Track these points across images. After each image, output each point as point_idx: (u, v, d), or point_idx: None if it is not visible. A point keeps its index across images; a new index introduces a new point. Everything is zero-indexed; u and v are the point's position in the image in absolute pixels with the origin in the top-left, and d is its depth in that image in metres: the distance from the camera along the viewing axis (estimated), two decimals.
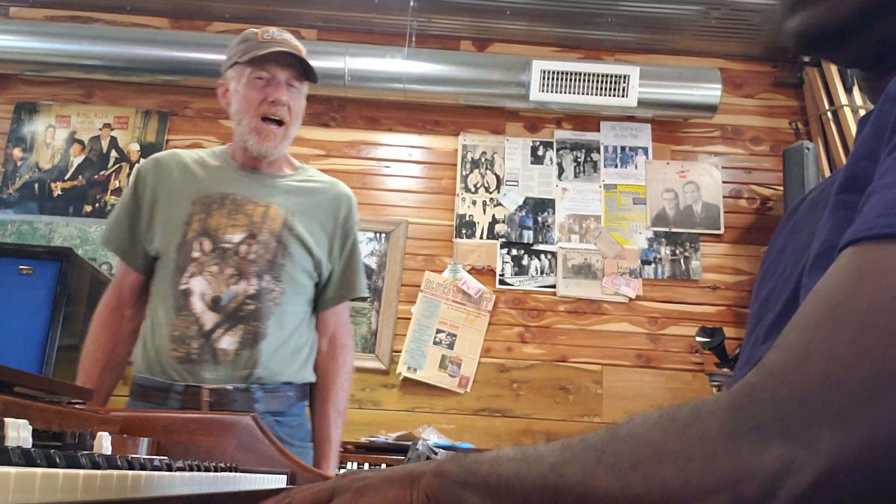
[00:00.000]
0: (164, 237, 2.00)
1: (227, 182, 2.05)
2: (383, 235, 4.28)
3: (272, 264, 1.96)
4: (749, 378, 0.52)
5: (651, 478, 0.52)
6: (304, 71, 2.04)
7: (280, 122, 2.01)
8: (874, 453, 0.44)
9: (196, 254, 1.95)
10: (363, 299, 2.25)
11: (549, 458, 0.60)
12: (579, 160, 4.42)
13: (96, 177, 4.36)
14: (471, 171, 4.37)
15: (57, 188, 4.33)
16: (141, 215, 2.05)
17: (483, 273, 4.25)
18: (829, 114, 4.13)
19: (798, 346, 0.50)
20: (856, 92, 4.00)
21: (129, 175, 4.36)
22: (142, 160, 2.11)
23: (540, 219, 4.32)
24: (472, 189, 4.35)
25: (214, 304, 1.91)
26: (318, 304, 2.11)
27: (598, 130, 4.46)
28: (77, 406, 1.25)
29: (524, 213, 4.32)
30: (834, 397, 0.46)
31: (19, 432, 0.83)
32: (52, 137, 4.40)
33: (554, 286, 4.22)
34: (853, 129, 3.95)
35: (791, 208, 0.85)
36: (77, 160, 4.38)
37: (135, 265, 2.07)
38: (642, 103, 4.21)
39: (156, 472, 0.87)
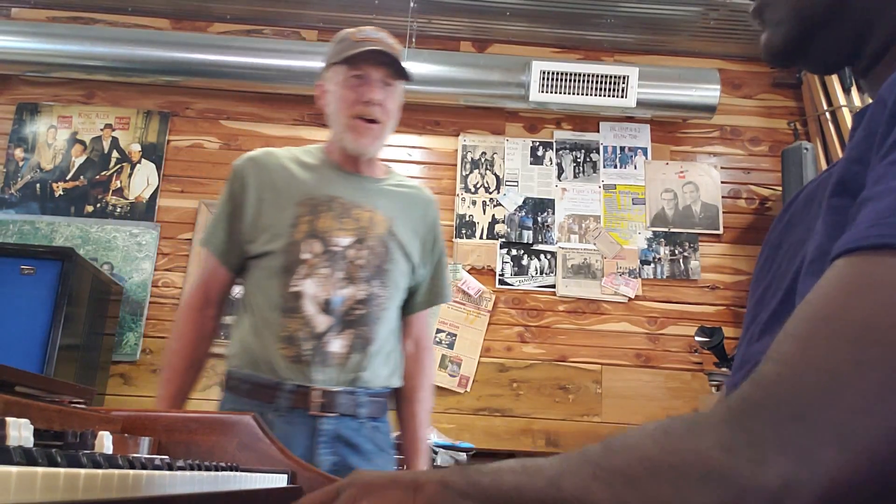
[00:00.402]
0: (269, 238, 1.97)
1: (332, 184, 2.02)
2: None
3: (379, 270, 1.97)
4: (744, 391, 0.51)
5: (646, 494, 0.51)
6: (398, 70, 2.02)
7: (375, 121, 1.99)
8: (875, 469, 0.44)
9: (306, 255, 1.93)
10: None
11: (548, 471, 0.59)
12: (579, 160, 4.43)
13: (98, 177, 4.37)
14: (471, 172, 4.38)
15: (58, 188, 4.34)
16: (240, 215, 2.02)
17: (483, 273, 4.26)
18: (827, 114, 4.14)
19: (793, 359, 0.50)
20: (854, 92, 4.01)
21: (130, 175, 4.37)
22: (238, 160, 2.07)
23: (539, 219, 4.32)
24: (472, 189, 4.36)
25: (326, 307, 1.91)
26: (407, 308, 2.11)
27: (598, 131, 4.47)
28: (78, 405, 1.26)
29: (524, 214, 4.33)
30: (833, 413, 0.46)
31: (20, 432, 0.84)
32: (54, 138, 4.41)
33: (553, 286, 4.23)
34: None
35: (787, 204, 0.86)
36: (78, 160, 4.39)
37: (229, 264, 2.05)
38: (641, 104, 4.22)
39: (157, 472, 0.88)
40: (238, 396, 1.95)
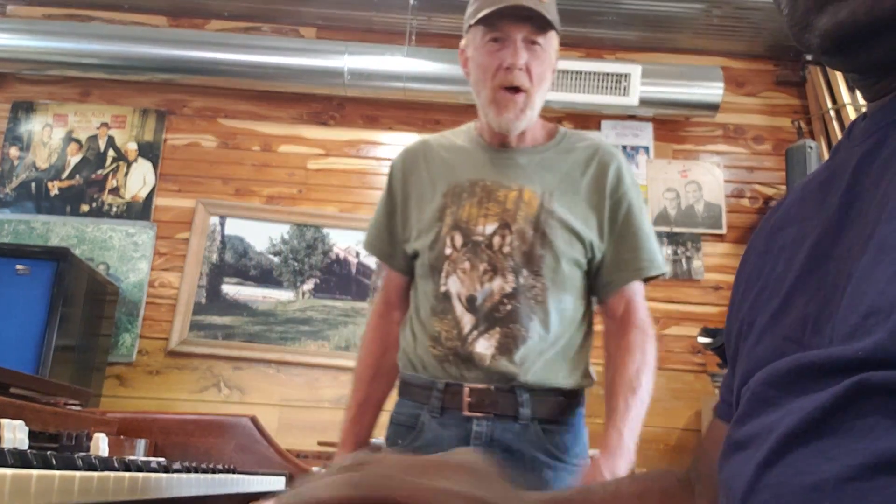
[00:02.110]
0: (420, 235, 1.84)
1: (477, 166, 1.83)
2: None
3: (530, 256, 1.72)
4: None
5: None
6: (543, 24, 1.73)
7: (519, 90, 1.74)
8: None
9: (448, 250, 1.77)
10: (659, 276, 1.83)
11: None
12: None
13: (93, 176, 4.34)
14: None
15: (54, 187, 4.30)
16: (396, 214, 1.91)
17: None
18: (831, 112, 4.12)
19: None
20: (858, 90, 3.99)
21: (126, 174, 4.34)
22: (396, 157, 1.96)
23: None
24: None
25: (470, 305, 1.73)
26: (599, 291, 1.82)
27: (600, 129, 4.44)
28: (73, 407, 1.23)
29: None
30: None
31: (15, 433, 0.82)
32: (49, 136, 4.37)
33: None
34: None
35: (769, 212, 0.81)
36: (74, 159, 4.35)
37: (396, 267, 1.93)
38: (644, 102, 4.20)
39: (153, 474, 0.86)
40: (402, 398, 1.83)
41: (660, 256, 1.82)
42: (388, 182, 1.95)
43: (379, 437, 1.95)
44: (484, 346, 1.70)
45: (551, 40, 1.77)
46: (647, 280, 1.83)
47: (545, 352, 1.71)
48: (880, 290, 0.52)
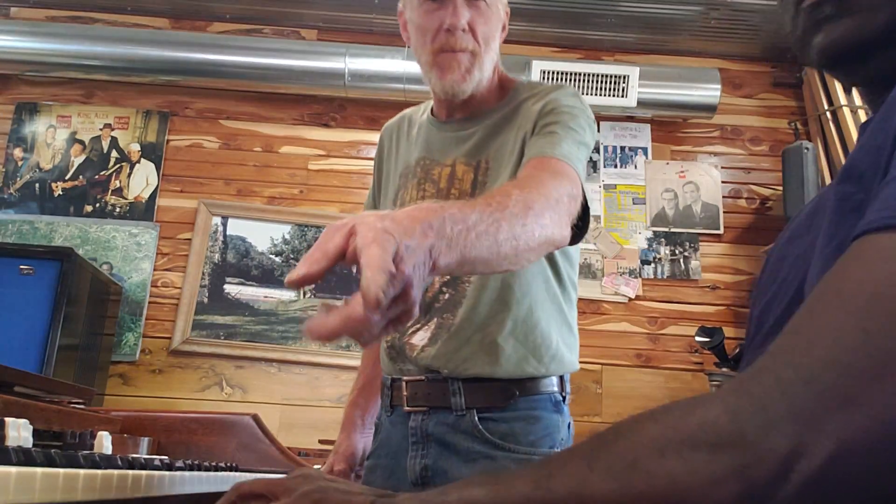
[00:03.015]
0: None
1: (425, 143, 1.68)
2: None
3: None
4: (755, 364, 0.51)
5: (654, 473, 0.49)
6: None
7: (463, 50, 1.54)
8: (883, 433, 0.45)
9: None
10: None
11: (528, 476, 0.56)
12: None
13: (97, 177, 4.36)
14: None
15: (58, 188, 4.33)
16: (377, 198, 1.81)
17: None
18: (828, 114, 4.13)
19: (802, 328, 0.50)
20: (855, 92, 4.00)
21: (129, 175, 4.36)
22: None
23: None
24: None
25: None
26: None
27: (598, 130, 4.45)
28: (77, 406, 1.26)
29: None
30: (841, 378, 0.46)
31: (20, 432, 0.84)
32: (53, 137, 4.40)
33: None
34: (852, 129, 3.95)
35: (791, 219, 0.85)
36: (78, 160, 4.38)
37: None
38: (642, 103, 4.21)
39: (156, 472, 0.88)
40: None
41: (570, 151, 1.43)
42: (374, 164, 1.87)
43: None
44: (419, 338, 1.58)
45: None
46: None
47: (473, 338, 1.53)
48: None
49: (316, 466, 1.80)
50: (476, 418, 1.50)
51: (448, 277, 1.56)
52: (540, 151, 1.40)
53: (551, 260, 1.58)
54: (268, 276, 4.24)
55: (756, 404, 0.48)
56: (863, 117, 3.95)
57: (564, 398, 1.59)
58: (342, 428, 1.80)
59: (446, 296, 1.58)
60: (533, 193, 1.19)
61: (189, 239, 4.25)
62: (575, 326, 1.66)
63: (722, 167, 4.43)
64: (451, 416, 1.51)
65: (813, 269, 0.64)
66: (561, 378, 1.59)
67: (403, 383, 1.58)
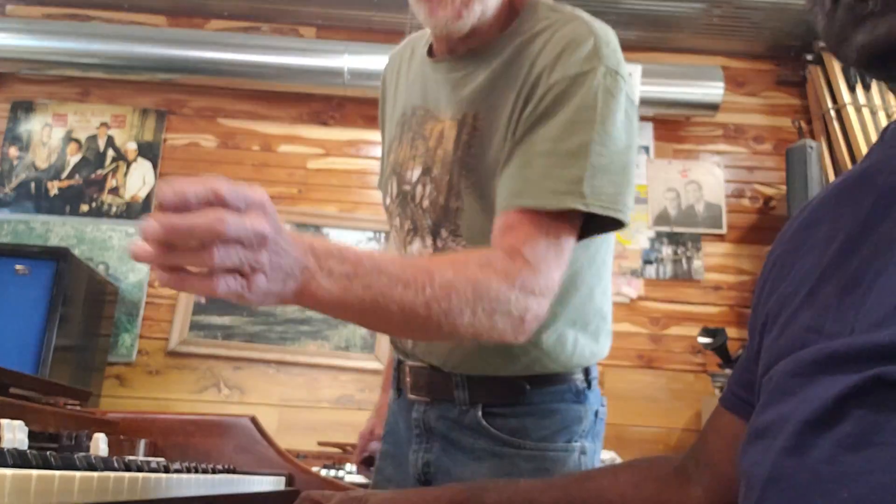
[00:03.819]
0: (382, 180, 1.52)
1: (421, 87, 1.43)
2: (383, 235, 4.25)
3: (445, 211, 1.31)
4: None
5: None
6: None
7: None
8: None
9: (388, 200, 1.46)
10: (618, 226, 1.27)
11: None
12: None
13: (93, 176, 4.33)
14: None
15: (53, 187, 4.30)
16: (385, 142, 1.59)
17: None
18: (832, 112, 4.12)
19: None
20: (859, 90, 3.99)
21: (126, 174, 4.34)
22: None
23: None
24: None
25: None
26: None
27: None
28: (73, 407, 1.23)
29: None
30: None
31: (15, 434, 0.82)
32: (49, 136, 4.37)
33: None
34: (856, 127, 3.94)
35: (801, 207, 0.82)
36: (74, 159, 4.35)
37: None
38: (644, 102, 4.19)
39: (152, 475, 0.86)
40: None
41: (586, 184, 1.16)
42: (378, 104, 1.63)
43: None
44: None
45: None
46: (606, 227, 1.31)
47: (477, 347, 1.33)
48: None
49: (314, 468, 1.76)
50: (480, 413, 1.35)
51: (433, 251, 1.35)
52: (506, 202, 1.17)
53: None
54: None
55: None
56: (867, 115, 3.94)
57: (590, 383, 1.40)
58: (384, 389, 1.71)
59: None
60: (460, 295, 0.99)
61: None
62: (607, 310, 1.44)
63: (725, 166, 4.41)
64: (454, 409, 1.37)
65: None
66: (585, 367, 1.40)
67: (407, 367, 1.44)
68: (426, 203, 1.34)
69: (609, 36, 1.26)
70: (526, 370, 1.34)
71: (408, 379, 1.43)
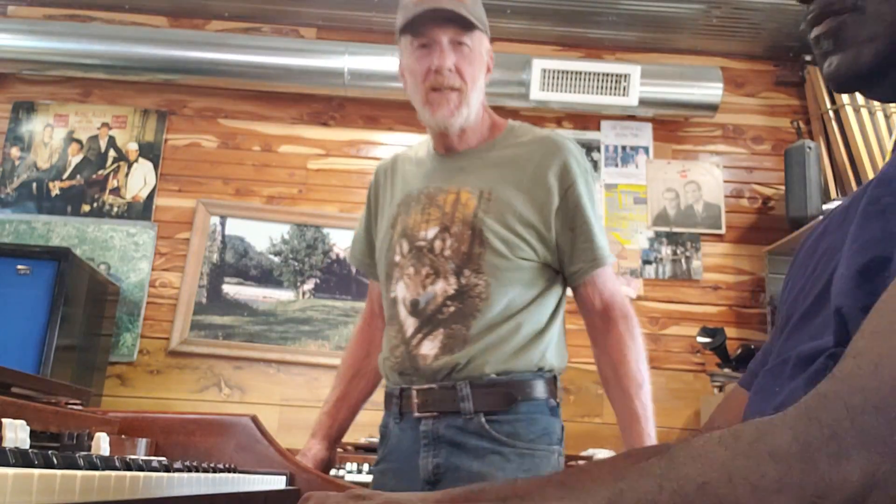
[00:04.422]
0: (379, 245, 1.90)
1: (426, 175, 1.86)
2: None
3: (469, 256, 1.71)
4: (819, 388, 0.50)
5: (723, 498, 0.49)
6: (466, 24, 1.75)
7: (451, 89, 1.75)
8: None
9: (397, 257, 1.80)
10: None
11: (602, 491, 0.56)
12: None
13: (94, 176, 4.34)
14: None
15: (55, 188, 4.31)
16: (371, 227, 1.99)
17: None
18: (830, 113, 4.13)
19: (869, 353, 0.49)
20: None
21: (127, 174, 4.35)
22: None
23: None
24: None
25: (413, 308, 1.75)
26: (568, 281, 1.82)
27: (599, 129, 4.45)
28: (75, 407, 1.24)
29: None
30: None
31: (17, 433, 0.82)
32: (50, 137, 4.38)
33: None
34: (855, 127, 3.95)
35: (821, 218, 0.87)
36: (75, 159, 4.36)
37: (373, 275, 2.01)
38: (643, 102, 4.20)
39: (154, 474, 0.86)
40: (385, 410, 1.88)
41: (605, 246, 1.79)
42: (366, 197, 2.04)
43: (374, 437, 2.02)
44: (428, 348, 1.72)
45: (479, 40, 1.80)
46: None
47: (490, 348, 1.70)
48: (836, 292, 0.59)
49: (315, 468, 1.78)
50: (483, 419, 1.66)
51: (453, 291, 1.72)
52: (593, 264, 1.77)
53: (541, 273, 1.79)
54: (266, 276, 4.23)
55: (826, 433, 0.47)
56: (865, 116, 3.95)
57: (558, 404, 1.79)
58: (314, 434, 1.94)
59: (451, 308, 1.72)
60: (642, 361, 1.80)
61: (187, 239, 4.24)
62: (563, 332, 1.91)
63: (724, 166, 4.42)
64: (459, 419, 1.67)
65: (839, 269, 0.64)
66: (554, 383, 1.78)
67: (413, 391, 1.72)
68: (448, 252, 1.73)
69: (568, 139, 1.85)
70: (520, 374, 1.73)
71: (415, 401, 1.72)
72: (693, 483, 0.51)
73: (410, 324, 1.75)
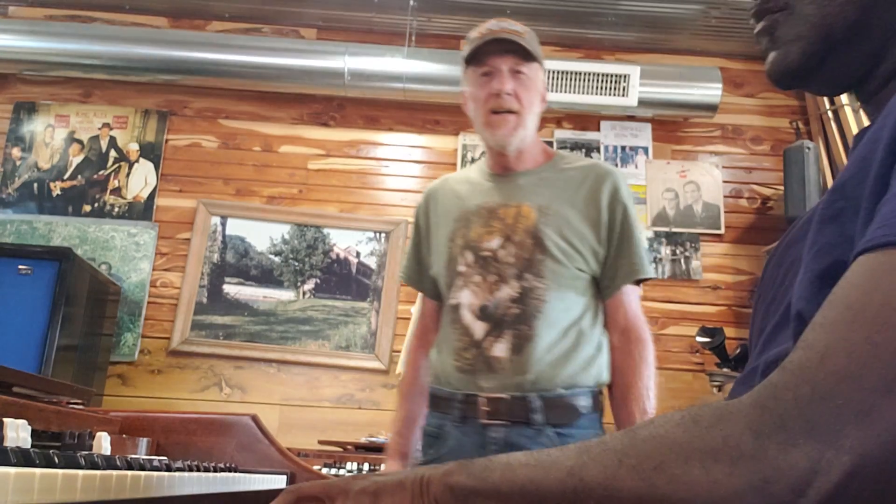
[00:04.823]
0: (437, 259, 2.06)
1: (484, 193, 2.04)
2: (383, 235, 4.27)
3: (530, 262, 1.89)
4: (771, 378, 0.53)
5: (677, 478, 0.52)
6: (525, 54, 1.95)
7: (510, 111, 1.95)
8: None
9: (461, 268, 1.96)
10: (644, 280, 2.01)
11: (565, 462, 0.60)
12: None
13: (95, 176, 4.35)
14: None
15: (56, 188, 4.32)
16: (422, 245, 2.15)
17: None
18: (829, 113, 4.13)
19: (816, 345, 0.52)
20: None
21: (128, 175, 4.36)
22: (421, 195, 2.22)
23: None
24: None
25: (482, 313, 1.90)
26: (602, 293, 1.97)
27: (599, 130, 4.45)
28: (76, 406, 1.25)
29: None
30: (854, 393, 0.48)
31: (18, 432, 0.83)
32: (52, 137, 4.39)
33: None
34: (854, 128, 3.95)
35: (791, 224, 0.88)
36: (76, 160, 4.37)
37: (428, 293, 2.16)
38: (643, 103, 4.21)
39: (155, 473, 0.87)
40: (431, 410, 2.00)
41: (648, 261, 1.97)
42: (415, 216, 2.19)
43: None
44: (500, 349, 1.85)
45: (536, 71, 1.98)
46: (639, 283, 1.98)
47: (552, 349, 1.84)
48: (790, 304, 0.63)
49: (315, 467, 1.79)
50: (554, 433, 1.79)
51: (517, 294, 1.87)
52: (627, 277, 1.93)
53: (594, 288, 1.96)
54: (267, 276, 4.24)
55: (776, 422, 0.50)
56: (864, 116, 3.95)
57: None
58: (391, 455, 2.08)
59: (516, 310, 1.86)
60: (652, 383, 1.98)
61: (188, 239, 4.25)
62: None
63: (723, 167, 4.42)
64: (530, 430, 1.78)
65: (799, 275, 0.67)
66: (600, 397, 1.91)
67: (481, 399, 1.84)
68: (511, 259, 1.89)
69: (613, 167, 2.15)
70: (595, 380, 1.89)
71: (484, 408, 1.83)
72: (651, 461, 0.54)
73: (479, 327, 1.89)
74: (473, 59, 1.97)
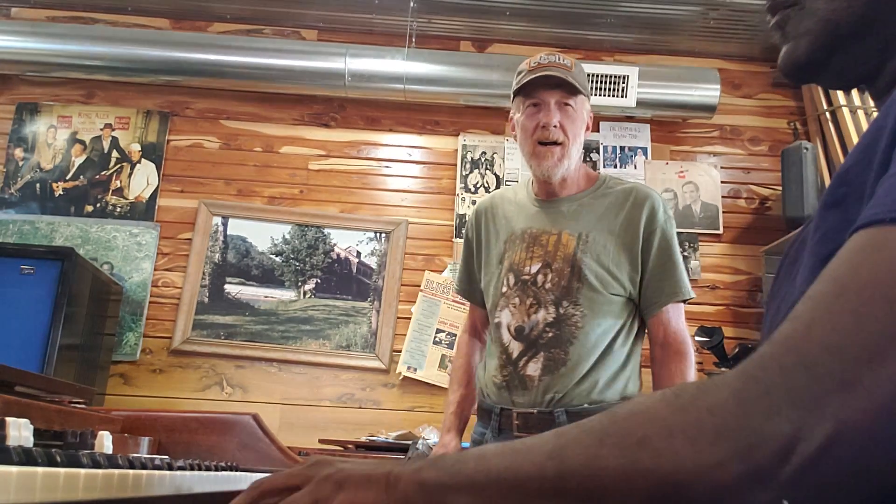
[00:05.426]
0: (486, 276, 2.21)
1: (528, 217, 2.16)
2: (383, 235, 4.29)
3: (568, 290, 2.00)
4: (759, 350, 0.54)
5: (661, 452, 0.52)
6: (571, 89, 2.06)
7: (555, 143, 2.06)
8: (879, 415, 0.47)
9: (504, 289, 2.09)
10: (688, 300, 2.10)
11: (543, 447, 0.59)
12: None
13: (97, 177, 4.37)
14: (471, 171, 4.38)
15: (58, 188, 4.33)
16: (473, 258, 2.30)
17: None
18: (827, 114, 4.14)
19: (804, 316, 0.53)
20: (854, 92, 4.00)
21: (130, 175, 4.37)
22: (472, 209, 2.37)
23: None
24: (472, 189, 4.36)
25: (518, 334, 2.04)
26: (643, 312, 2.09)
27: (598, 130, 4.46)
28: (78, 405, 1.26)
29: None
30: (837, 363, 0.49)
31: (20, 431, 0.84)
32: (54, 138, 4.41)
33: None
34: (852, 129, 3.96)
35: (805, 223, 0.89)
36: (78, 160, 4.39)
37: (477, 302, 2.32)
38: (641, 103, 4.22)
39: (157, 472, 0.88)
40: (478, 420, 2.16)
41: (687, 282, 2.07)
42: (466, 231, 2.34)
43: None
44: (532, 369, 1.99)
45: (582, 102, 2.10)
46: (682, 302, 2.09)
47: (586, 372, 1.97)
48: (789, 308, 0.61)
49: None
50: None
51: (552, 319, 1.99)
52: (668, 298, 2.03)
53: (629, 309, 2.06)
54: (268, 276, 4.25)
55: (760, 389, 0.51)
56: (862, 117, 3.96)
57: None
58: (447, 430, 2.21)
59: (550, 334, 1.99)
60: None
61: (189, 239, 4.26)
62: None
63: (721, 167, 4.43)
64: None
65: (804, 260, 0.68)
66: None
67: (514, 413, 1.99)
68: (549, 285, 2.01)
69: (653, 190, 2.16)
70: (621, 395, 2.01)
71: (516, 422, 1.98)
72: (633, 437, 0.54)
73: (515, 347, 2.03)
74: (523, 91, 2.08)
